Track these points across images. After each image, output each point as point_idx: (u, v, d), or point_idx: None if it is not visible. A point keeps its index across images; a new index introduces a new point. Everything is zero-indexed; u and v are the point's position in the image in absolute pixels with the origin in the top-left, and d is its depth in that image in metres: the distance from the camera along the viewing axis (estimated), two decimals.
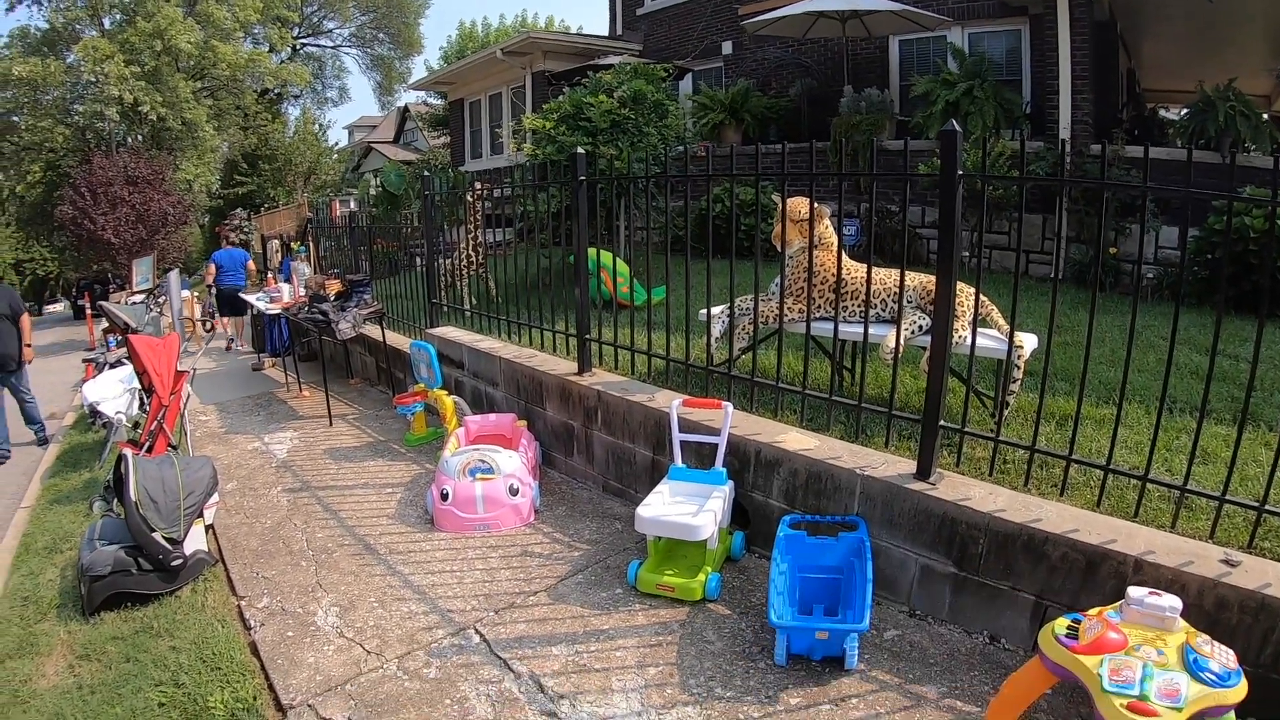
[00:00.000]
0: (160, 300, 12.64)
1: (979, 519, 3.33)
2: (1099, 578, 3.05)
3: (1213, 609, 2.84)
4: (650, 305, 4.99)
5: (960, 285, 4.30)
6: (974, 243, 10.45)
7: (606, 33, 19.23)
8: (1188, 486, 3.15)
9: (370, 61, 39.47)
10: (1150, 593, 2.65)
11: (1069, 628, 2.64)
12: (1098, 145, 10.03)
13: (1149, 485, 3.26)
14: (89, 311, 15.13)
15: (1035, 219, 10.49)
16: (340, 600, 3.99)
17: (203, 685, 3.41)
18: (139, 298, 13.04)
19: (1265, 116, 10.40)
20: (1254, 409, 4.54)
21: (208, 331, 14.34)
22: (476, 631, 3.58)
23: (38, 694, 3.55)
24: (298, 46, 36.42)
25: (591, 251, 7.19)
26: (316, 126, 37.27)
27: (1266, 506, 3.01)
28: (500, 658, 3.37)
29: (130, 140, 26.06)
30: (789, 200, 4.59)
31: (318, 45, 39.00)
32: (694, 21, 16.07)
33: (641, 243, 9.12)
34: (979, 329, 4.40)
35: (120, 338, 8.53)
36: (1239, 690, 2.37)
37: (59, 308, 37.23)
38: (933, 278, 4.22)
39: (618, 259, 7.45)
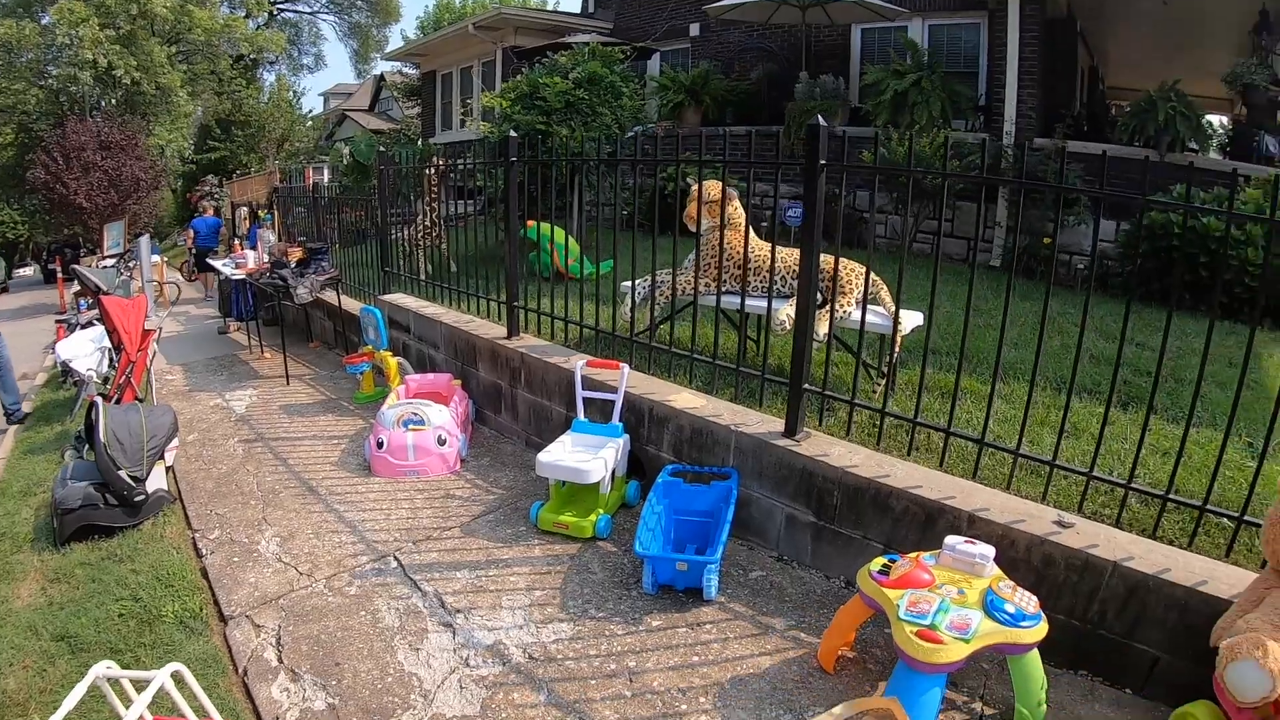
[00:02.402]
0: (131, 265, 13.01)
1: (833, 473, 3.72)
2: (937, 530, 3.33)
3: (1040, 565, 3.11)
4: (592, 278, 5.36)
5: (852, 265, 4.82)
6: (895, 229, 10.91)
7: (579, 10, 19.54)
8: (1020, 451, 3.51)
9: (347, 29, 39.18)
10: (966, 541, 2.95)
11: (883, 565, 2.96)
12: (1042, 139, 10.60)
13: (1013, 454, 3.56)
14: (60, 275, 15.46)
15: (974, 206, 10.88)
16: (281, 532, 4.49)
17: (158, 599, 3.91)
18: (110, 262, 13.39)
19: (1212, 119, 10.89)
20: (1139, 391, 5.15)
21: (191, 282, 15.80)
22: (395, 558, 4.10)
23: (13, 612, 4.02)
24: (274, 12, 36.22)
25: (545, 227, 7.68)
26: (291, 93, 37.27)
27: (1093, 473, 3.34)
28: (412, 579, 3.89)
29: (104, 104, 26.02)
30: (704, 183, 4.98)
31: (295, 11, 38.66)
32: (664, 2, 16.38)
33: (592, 219, 9.56)
34: (867, 305, 4.89)
35: (91, 300, 8.91)
36: (1035, 631, 2.64)
37: (28, 272, 36.81)
38: (828, 258, 4.73)
39: (567, 234, 7.88)
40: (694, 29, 15.89)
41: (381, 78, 34.67)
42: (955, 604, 2.72)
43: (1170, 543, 3.19)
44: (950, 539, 2.98)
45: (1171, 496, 3.19)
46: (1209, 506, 3.11)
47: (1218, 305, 3.25)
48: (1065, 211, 9.87)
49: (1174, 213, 7.57)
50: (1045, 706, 2.77)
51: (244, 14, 31.12)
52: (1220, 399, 5.07)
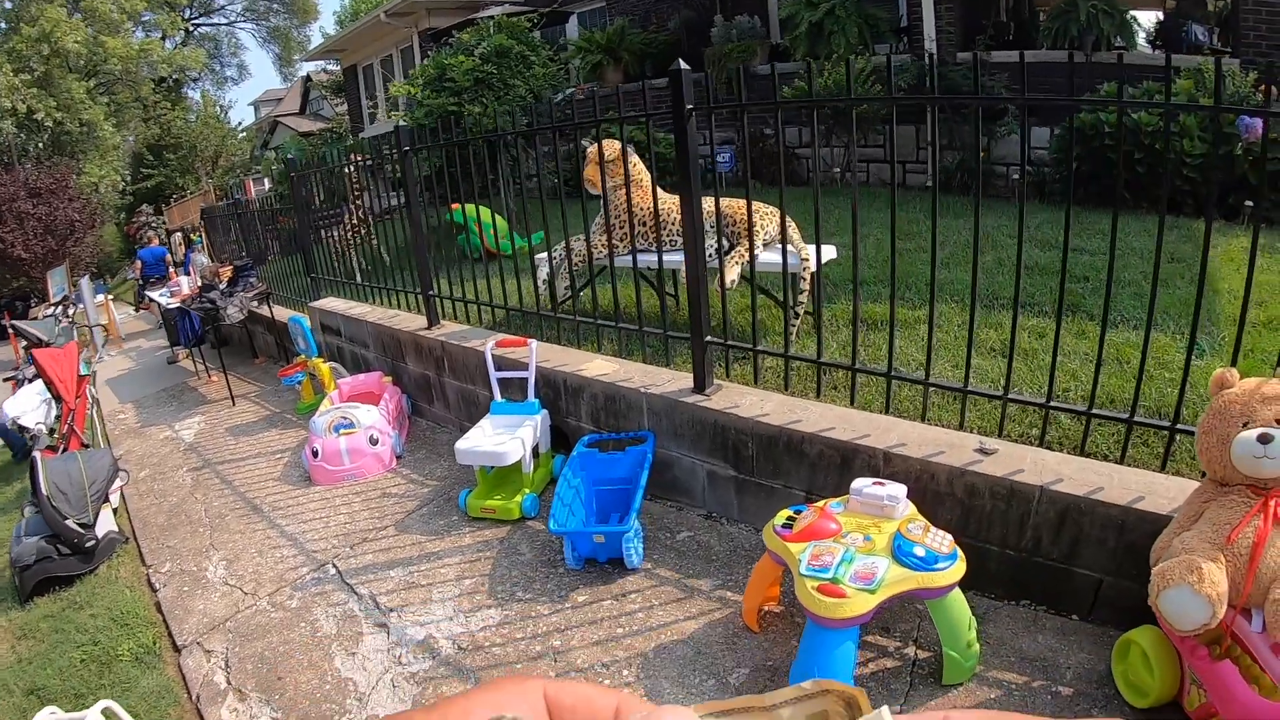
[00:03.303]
0: (70, 312, 12.94)
1: (745, 424, 3.69)
2: (854, 471, 3.26)
3: (965, 497, 3.02)
4: (521, 251, 5.38)
5: (758, 205, 4.81)
6: (840, 162, 10.95)
7: None
8: (930, 381, 3.42)
9: (267, 34, 38.70)
10: (874, 483, 2.86)
11: (788, 519, 2.88)
12: (964, 53, 10.57)
13: (923, 384, 3.48)
14: (10, 332, 15.43)
15: (909, 129, 10.82)
16: (228, 555, 4.57)
17: (114, 640, 4.00)
18: (50, 309, 13.33)
19: (1142, 14, 10.78)
20: (1074, 298, 5.14)
21: (139, 313, 16.25)
22: (333, 565, 4.18)
23: None
24: (190, 29, 35.69)
25: (470, 208, 7.66)
26: (218, 108, 36.69)
27: (1009, 395, 3.22)
28: (349, 584, 3.97)
29: (31, 150, 25.57)
30: (600, 143, 4.94)
31: (211, 24, 38.17)
32: None
33: (519, 194, 9.50)
34: (777, 247, 4.89)
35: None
36: (950, 573, 2.53)
37: None
38: (732, 201, 4.71)
39: (493, 212, 7.84)
40: None
41: (308, 78, 34.15)
42: (861, 552, 2.64)
43: (1105, 458, 3.12)
44: (857, 483, 2.91)
45: (1095, 412, 3.08)
46: (1137, 419, 2.98)
47: (1121, 195, 3.12)
48: (994, 123, 9.88)
49: (1102, 111, 7.48)
50: (978, 646, 2.69)
51: (159, 35, 30.65)
52: (1163, 298, 4.95)
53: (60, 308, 13.03)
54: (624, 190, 4.72)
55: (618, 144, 4.94)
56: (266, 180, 21.80)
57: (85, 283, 13.46)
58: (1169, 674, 2.39)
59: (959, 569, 2.57)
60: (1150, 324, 2.90)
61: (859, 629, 2.59)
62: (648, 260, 4.91)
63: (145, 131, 31.13)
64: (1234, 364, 2.62)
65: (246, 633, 3.78)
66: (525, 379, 4.62)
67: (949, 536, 2.67)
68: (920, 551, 2.57)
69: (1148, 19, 11.33)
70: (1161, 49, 10.65)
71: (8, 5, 26.01)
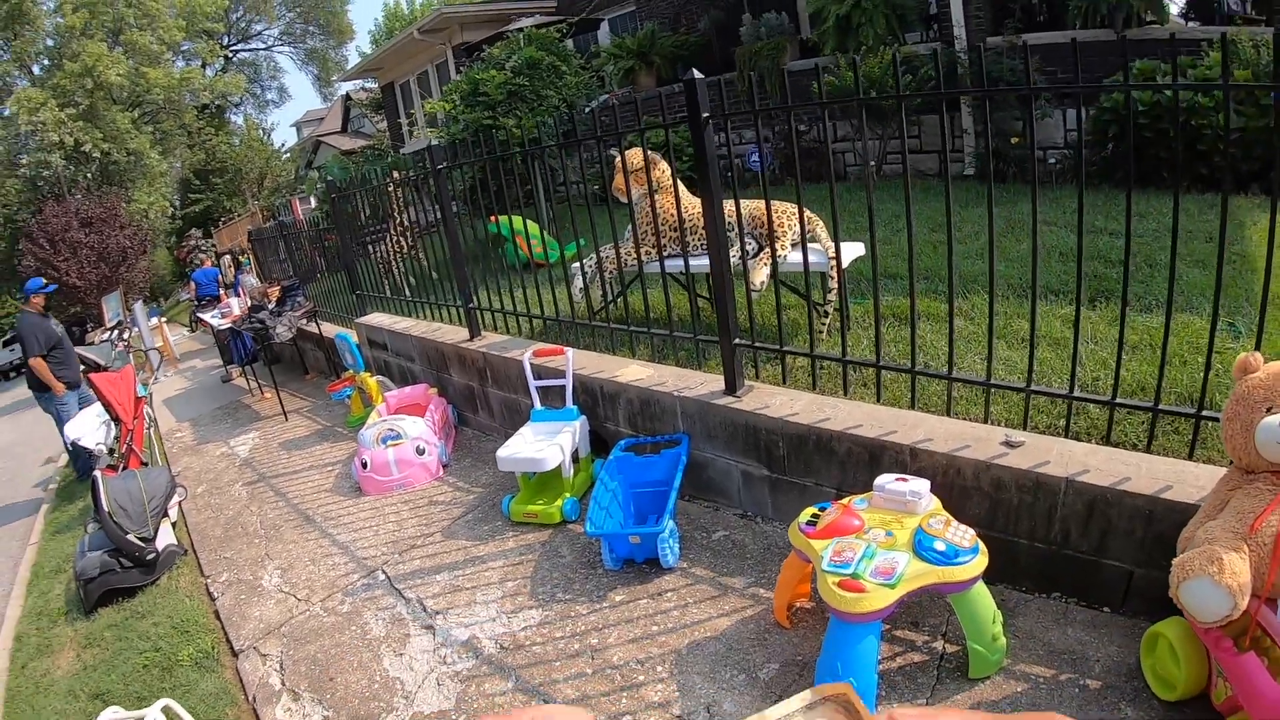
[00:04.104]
0: (126, 336, 13.29)
1: (775, 424, 3.71)
2: (882, 467, 3.25)
3: (991, 490, 3.00)
4: (568, 258, 5.49)
5: (781, 206, 4.82)
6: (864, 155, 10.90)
7: None
8: (954, 375, 3.40)
9: (304, 56, 39.48)
10: (897, 478, 2.89)
11: (812, 516, 2.91)
12: (994, 38, 10.48)
13: (947, 378, 3.46)
14: None
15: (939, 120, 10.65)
16: (282, 564, 4.74)
17: (175, 646, 4.20)
18: (106, 334, 13.70)
19: None
20: (1110, 284, 5.03)
21: (193, 333, 16.83)
22: (383, 571, 4.33)
23: (55, 681, 4.35)
24: (230, 55, 36.45)
25: (507, 220, 7.75)
26: (260, 131, 37.38)
27: (1032, 388, 3.19)
28: (397, 589, 4.11)
29: (81, 180, 26.18)
30: (627, 152, 4.95)
31: (250, 50, 39.01)
32: None
33: (561, 203, 9.58)
34: (798, 246, 4.93)
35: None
36: (970, 567, 2.55)
37: None
38: (758, 204, 4.71)
39: (529, 222, 7.93)
40: None
41: (348, 97, 34.65)
42: (882, 548, 2.67)
43: (1134, 447, 3.09)
44: (880, 479, 2.93)
45: (1119, 401, 3.03)
46: (1161, 407, 2.92)
47: (1131, 175, 3.05)
48: (1027, 109, 9.75)
49: (1135, 91, 7.30)
50: (1004, 640, 2.70)
51: (200, 64, 31.32)
52: (1199, 280, 4.91)
53: (116, 332, 13.41)
54: (651, 198, 4.80)
55: (641, 152, 5.00)
56: (312, 199, 22.19)
57: (139, 307, 13.85)
58: (1196, 667, 2.36)
59: (980, 563, 2.58)
60: (1170, 307, 2.87)
61: (880, 624, 2.61)
62: (680, 265, 4.95)
63: (191, 157, 31.87)
64: (1257, 347, 2.56)
65: (300, 637, 3.93)
66: (564, 386, 4.72)
67: (971, 531, 2.69)
68: (941, 546, 2.59)
69: None
70: (1195, 21, 10.47)
71: (49, 43, 26.78)
